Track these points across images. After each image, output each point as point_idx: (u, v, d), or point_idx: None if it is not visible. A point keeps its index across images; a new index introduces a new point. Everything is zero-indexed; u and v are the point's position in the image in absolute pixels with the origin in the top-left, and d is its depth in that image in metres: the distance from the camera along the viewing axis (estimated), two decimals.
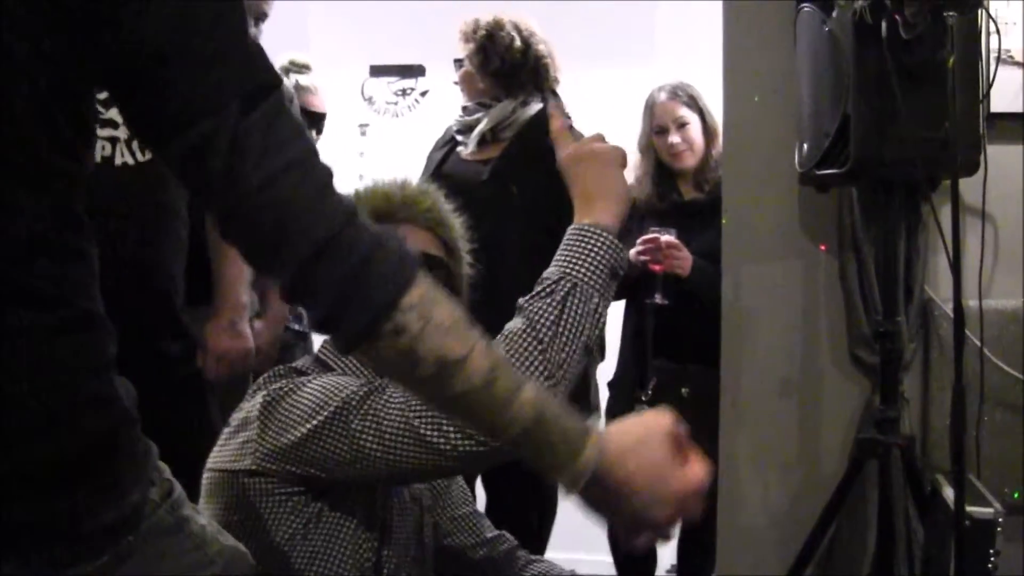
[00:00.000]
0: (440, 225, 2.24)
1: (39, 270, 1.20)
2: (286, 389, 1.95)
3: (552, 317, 1.74)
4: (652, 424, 1.48)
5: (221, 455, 2.01)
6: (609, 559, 4.52)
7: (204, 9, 1.24)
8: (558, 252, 1.83)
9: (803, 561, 3.17)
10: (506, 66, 3.92)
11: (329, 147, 5.67)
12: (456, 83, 4.05)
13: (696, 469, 1.48)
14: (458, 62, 4.02)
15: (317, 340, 4.06)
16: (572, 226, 1.86)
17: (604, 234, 1.82)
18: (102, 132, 2.71)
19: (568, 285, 1.77)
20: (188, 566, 1.40)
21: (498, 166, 3.82)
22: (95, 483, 1.27)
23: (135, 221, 2.84)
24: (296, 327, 4.50)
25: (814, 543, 3.17)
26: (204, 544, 1.44)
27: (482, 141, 3.90)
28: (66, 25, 1.16)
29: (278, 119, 1.26)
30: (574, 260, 1.80)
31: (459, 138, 3.96)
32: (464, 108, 3.99)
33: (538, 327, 1.73)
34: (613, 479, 1.42)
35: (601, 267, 1.80)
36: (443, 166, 3.95)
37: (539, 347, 1.72)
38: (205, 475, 2.03)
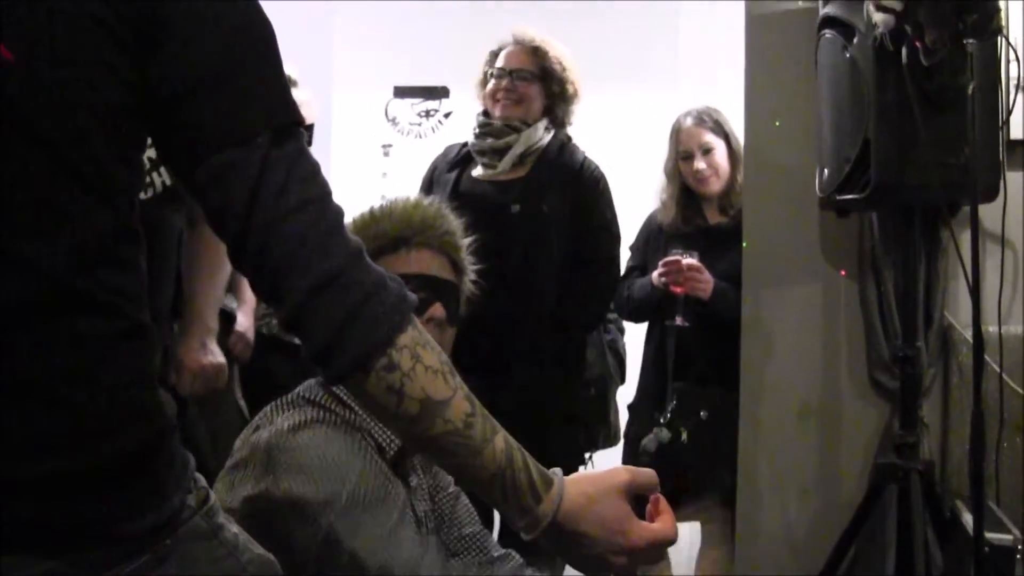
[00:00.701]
0: (454, 248, 2.26)
1: (100, 279, 1.27)
2: (288, 445, 1.98)
3: None
4: (609, 480, 1.53)
5: (221, 492, 2.02)
6: None
7: (247, 40, 1.31)
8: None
9: None
10: (557, 91, 4.00)
11: (352, 167, 5.72)
12: (500, 94, 4.01)
13: (658, 523, 1.55)
14: (507, 72, 4.01)
15: None
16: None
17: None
18: None
19: None
20: (222, 570, 1.45)
21: (529, 186, 3.88)
22: (138, 487, 1.32)
23: None
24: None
25: (833, 567, 3.17)
26: (237, 551, 1.48)
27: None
28: (126, 45, 1.24)
29: (301, 157, 1.33)
30: None
31: (482, 159, 3.97)
32: (487, 125, 3.98)
33: None
34: (569, 528, 1.49)
35: None
36: (459, 186, 3.97)
37: None
38: None
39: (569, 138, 4.08)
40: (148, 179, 2.94)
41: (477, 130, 4.01)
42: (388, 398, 1.37)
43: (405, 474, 2.17)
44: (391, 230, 2.18)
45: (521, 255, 3.77)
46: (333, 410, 2.08)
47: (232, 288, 3.62)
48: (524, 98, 3.96)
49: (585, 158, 4.02)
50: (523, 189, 3.88)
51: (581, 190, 3.91)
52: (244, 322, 3.81)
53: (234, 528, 1.51)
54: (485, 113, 4.05)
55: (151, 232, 2.99)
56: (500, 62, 4.02)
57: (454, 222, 2.27)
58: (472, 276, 2.31)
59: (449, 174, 3.99)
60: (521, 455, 1.47)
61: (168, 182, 2.96)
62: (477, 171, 3.97)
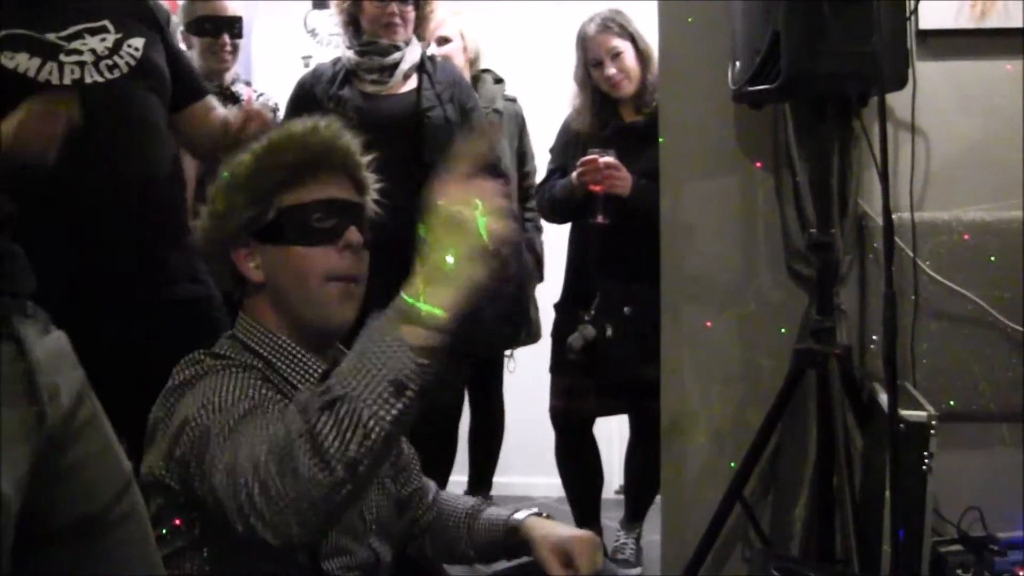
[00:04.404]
0: (356, 167, 2.20)
1: None
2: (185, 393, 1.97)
3: (312, 421, 1.58)
4: None
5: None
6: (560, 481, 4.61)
7: None
8: (356, 343, 1.64)
9: (745, 471, 3.25)
10: (428, 11, 4.21)
11: (272, 79, 5.68)
12: (386, 19, 4.05)
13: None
14: None
15: None
16: (382, 314, 1.62)
17: (397, 343, 1.57)
18: (67, 59, 2.74)
19: (332, 398, 1.58)
20: None
21: (427, 97, 4.02)
22: None
23: (116, 133, 2.84)
24: None
25: (756, 453, 3.24)
26: None
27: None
28: None
29: None
30: (353, 373, 1.58)
31: (370, 76, 4.03)
32: (372, 44, 4.04)
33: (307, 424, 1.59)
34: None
35: (379, 385, 1.56)
36: (355, 102, 3.98)
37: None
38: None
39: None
40: (111, 60, 2.82)
41: (358, 48, 4.06)
42: None
43: None
44: (291, 160, 2.11)
45: (436, 163, 3.85)
46: (232, 358, 2.04)
47: None
48: (408, 21, 4.07)
49: (454, 65, 4.30)
50: (425, 100, 4.00)
51: (462, 96, 4.10)
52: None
53: None
54: (358, 30, 4.10)
55: (124, 110, 2.93)
56: None
57: (353, 140, 2.19)
58: (374, 195, 2.24)
59: (341, 91, 4.00)
60: None
61: (133, 62, 2.85)
62: (367, 88, 4.02)
